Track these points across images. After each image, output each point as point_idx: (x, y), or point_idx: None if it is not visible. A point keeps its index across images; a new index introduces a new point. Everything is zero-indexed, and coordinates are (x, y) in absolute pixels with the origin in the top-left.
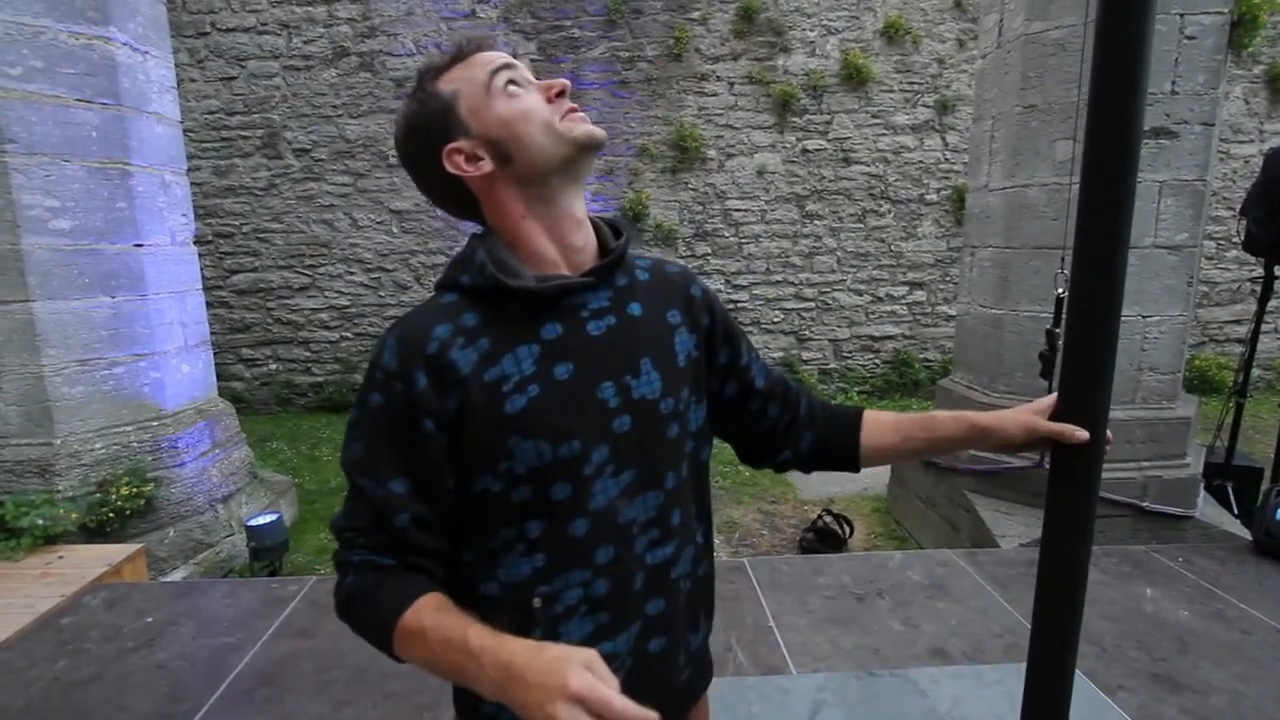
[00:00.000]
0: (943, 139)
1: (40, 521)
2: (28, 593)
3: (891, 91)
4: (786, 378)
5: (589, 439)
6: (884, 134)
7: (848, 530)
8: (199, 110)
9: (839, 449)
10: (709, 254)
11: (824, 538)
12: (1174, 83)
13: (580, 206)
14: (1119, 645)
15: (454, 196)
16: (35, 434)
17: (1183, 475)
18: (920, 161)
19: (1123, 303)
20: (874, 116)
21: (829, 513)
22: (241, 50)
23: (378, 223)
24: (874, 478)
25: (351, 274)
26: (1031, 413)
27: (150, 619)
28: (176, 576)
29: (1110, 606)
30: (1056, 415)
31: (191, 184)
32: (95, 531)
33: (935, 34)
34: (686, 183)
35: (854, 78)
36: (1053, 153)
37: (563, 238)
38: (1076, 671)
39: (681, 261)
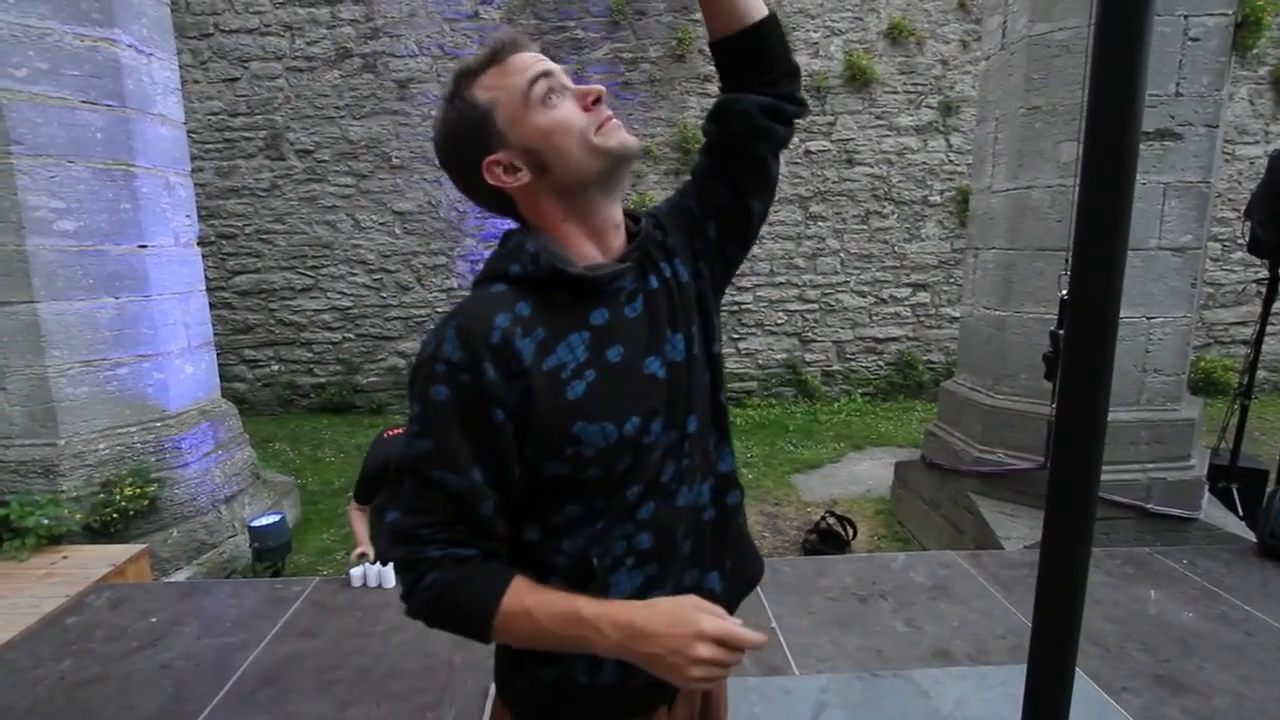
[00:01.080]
0: (946, 140)
1: (45, 521)
2: (32, 592)
3: (895, 93)
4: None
5: (647, 413)
6: (888, 135)
7: (851, 532)
8: (202, 111)
9: (720, 46)
10: None
11: (827, 539)
12: (1178, 84)
13: (617, 212)
14: (1122, 647)
15: (493, 198)
16: (40, 434)
17: (1187, 477)
18: (924, 163)
19: (1121, 304)
20: (878, 118)
21: (832, 514)
22: (245, 51)
23: (380, 224)
24: (876, 479)
25: (354, 275)
26: None
27: (154, 619)
28: (180, 577)
29: (1114, 608)
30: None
31: (194, 185)
32: (99, 532)
33: (939, 35)
34: None
35: (857, 79)
36: (1056, 154)
37: (600, 238)
38: (1079, 673)
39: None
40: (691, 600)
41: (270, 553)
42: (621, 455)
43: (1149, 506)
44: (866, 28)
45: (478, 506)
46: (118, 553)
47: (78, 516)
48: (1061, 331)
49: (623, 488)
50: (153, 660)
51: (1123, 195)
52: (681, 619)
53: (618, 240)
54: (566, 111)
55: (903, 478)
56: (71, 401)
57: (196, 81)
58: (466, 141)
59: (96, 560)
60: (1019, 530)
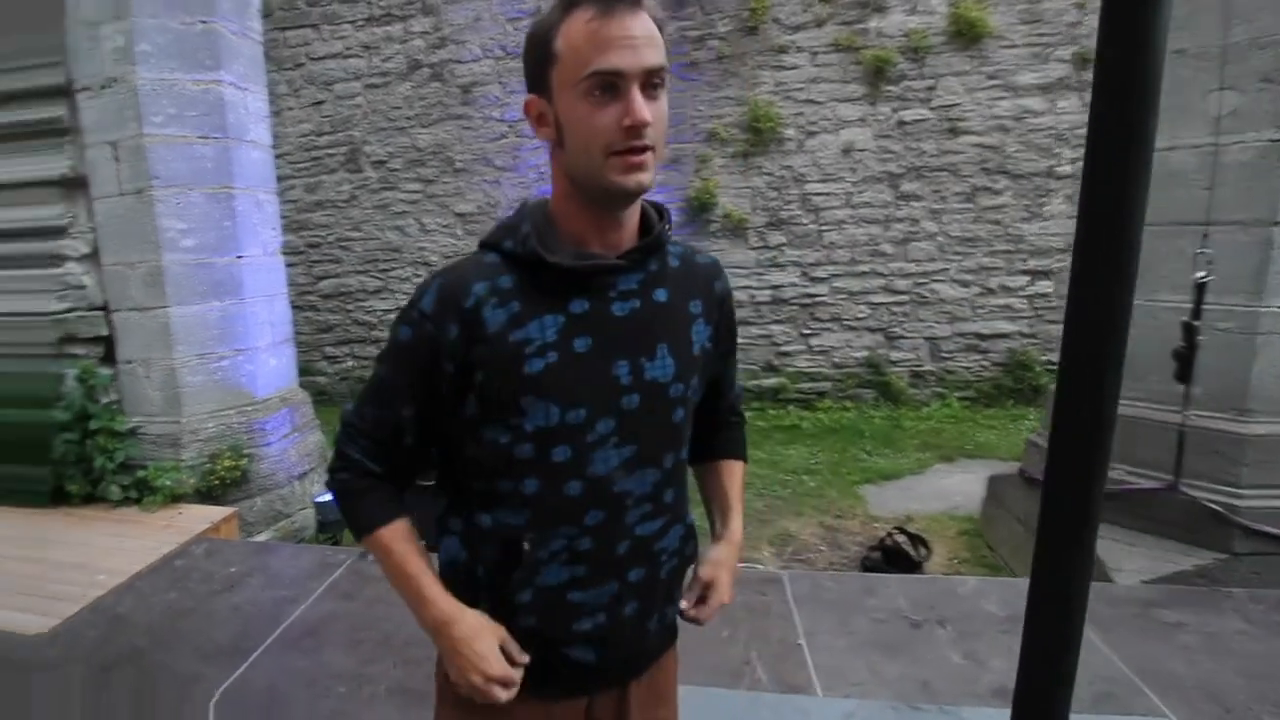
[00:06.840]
0: (1080, 99)
1: (168, 483)
2: (156, 538)
3: (1014, 47)
4: (736, 399)
5: (596, 409)
6: (1003, 97)
7: (924, 552)
8: (294, 134)
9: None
10: (784, 244)
11: (892, 559)
12: None
13: (622, 214)
14: (1250, 708)
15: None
16: (170, 414)
17: None
18: (1050, 127)
19: (1252, 293)
20: (990, 78)
21: (903, 531)
22: (329, 75)
23: (444, 226)
24: (965, 495)
25: (418, 276)
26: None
27: (234, 569)
28: (260, 539)
29: (1249, 661)
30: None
31: (286, 201)
32: (205, 495)
33: None
34: (760, 167)
35: (965, 34)
36: (1205, 106)
37: (601, 229)
38: None
39: (714, 254)
40: (497, 637)
41: (331, 525)
42: (558, 442)
43: None
44: None
45: (401, 437)
46: (215, 513)
47: (191, 482)
48: (1196, 322)
49: (559, 479)
50: (229, 602)
51: (1132, 184)
52: (482, 653)
53: (622, 234)
54: (600, 121)
55: (996, 494)
56: (190, 388)
57: (290, 109)
58: (530, 63)
59: (199, 519)
60: (1135, 561)
